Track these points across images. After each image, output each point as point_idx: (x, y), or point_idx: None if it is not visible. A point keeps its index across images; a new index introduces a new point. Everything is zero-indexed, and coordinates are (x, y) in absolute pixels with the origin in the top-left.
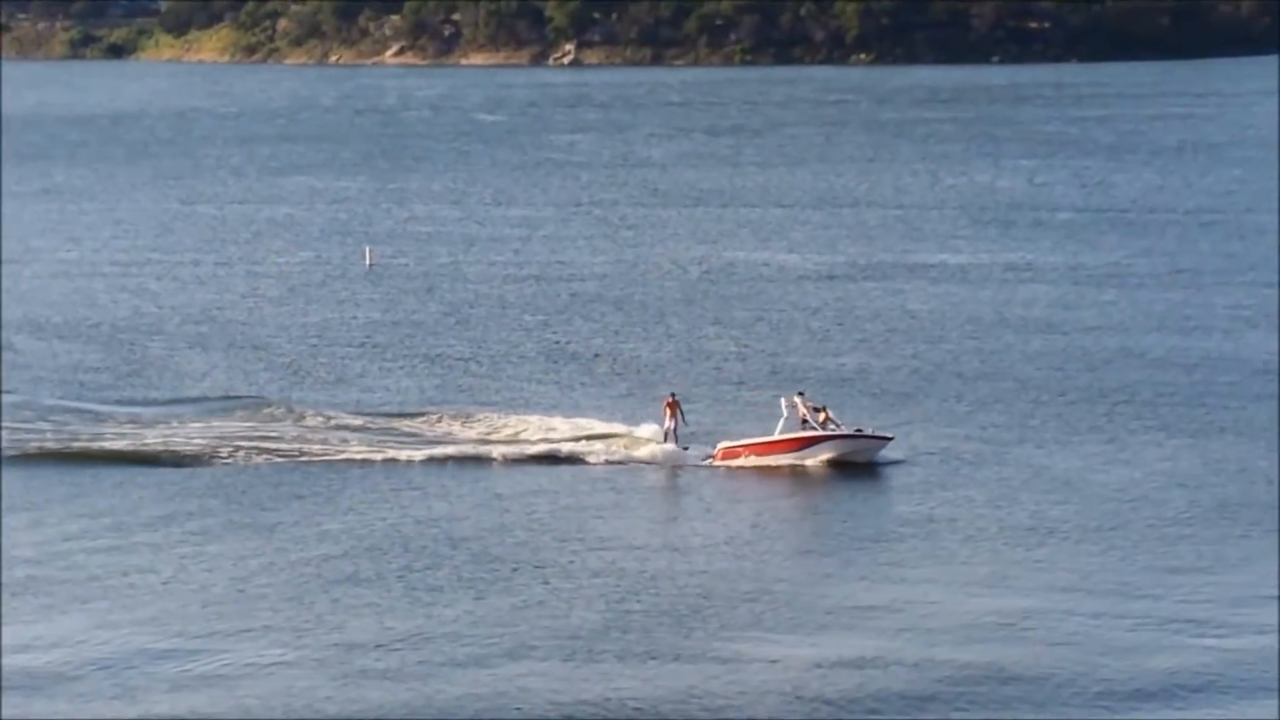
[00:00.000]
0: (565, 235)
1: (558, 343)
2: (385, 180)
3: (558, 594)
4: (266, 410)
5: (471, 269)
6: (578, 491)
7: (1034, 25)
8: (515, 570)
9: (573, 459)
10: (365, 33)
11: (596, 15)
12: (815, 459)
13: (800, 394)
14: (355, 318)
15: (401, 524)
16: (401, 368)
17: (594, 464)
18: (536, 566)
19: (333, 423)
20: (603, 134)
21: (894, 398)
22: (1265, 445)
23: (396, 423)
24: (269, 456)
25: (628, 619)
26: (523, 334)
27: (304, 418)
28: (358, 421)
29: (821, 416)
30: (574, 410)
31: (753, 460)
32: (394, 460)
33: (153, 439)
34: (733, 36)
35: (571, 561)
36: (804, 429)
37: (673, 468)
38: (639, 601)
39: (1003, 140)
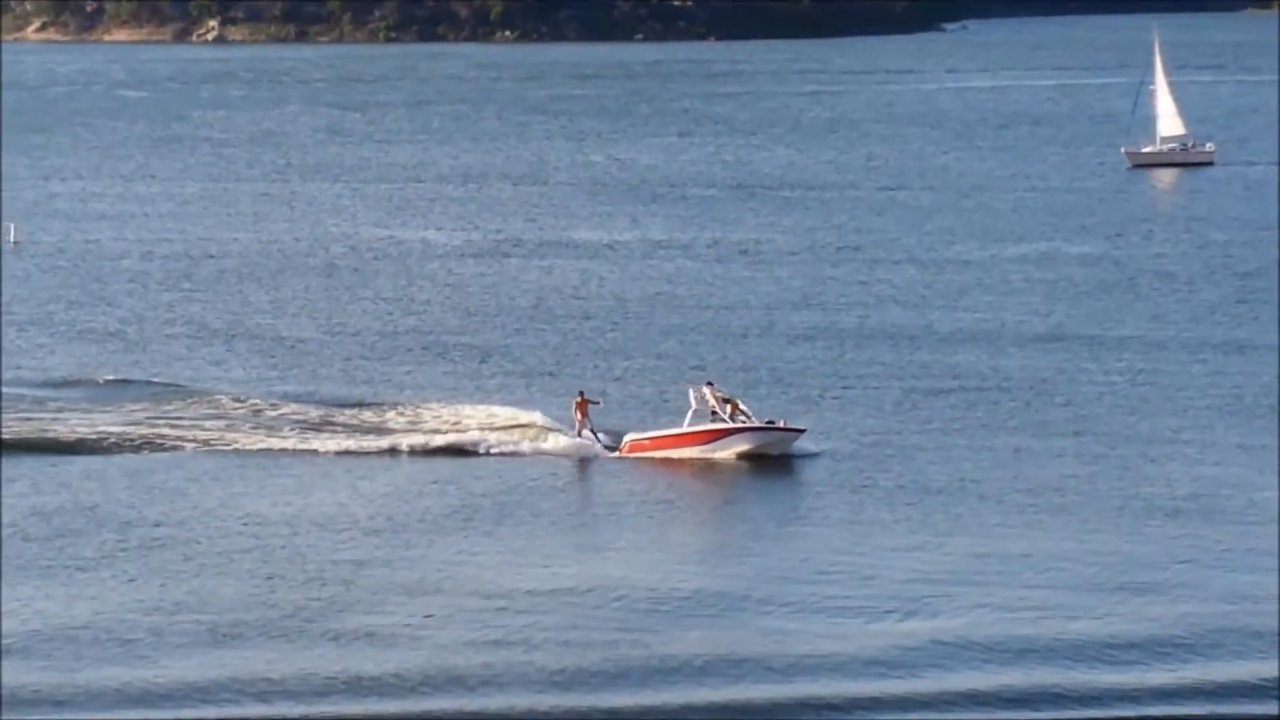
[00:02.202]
0: (209, 210)
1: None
2: (27, 156)
3: (206, 571)
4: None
5: (117, 245)
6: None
7: (677, 3)
8: (165, 550)
9: (479, 451)
10: (6, 8)
11: None
12: (726, 452)
13: (709, 384)
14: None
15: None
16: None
17: (500, 456)
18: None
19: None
20: (247, 110)
21: (537, 375)
22: (898, 420)
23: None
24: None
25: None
26: (167, 308)
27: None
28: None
29: (730, 408)
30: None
31: (661, 454)
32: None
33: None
34: (377, 13)
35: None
36: (714, 421)
37: (580, 461)
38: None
39: (646, 117)
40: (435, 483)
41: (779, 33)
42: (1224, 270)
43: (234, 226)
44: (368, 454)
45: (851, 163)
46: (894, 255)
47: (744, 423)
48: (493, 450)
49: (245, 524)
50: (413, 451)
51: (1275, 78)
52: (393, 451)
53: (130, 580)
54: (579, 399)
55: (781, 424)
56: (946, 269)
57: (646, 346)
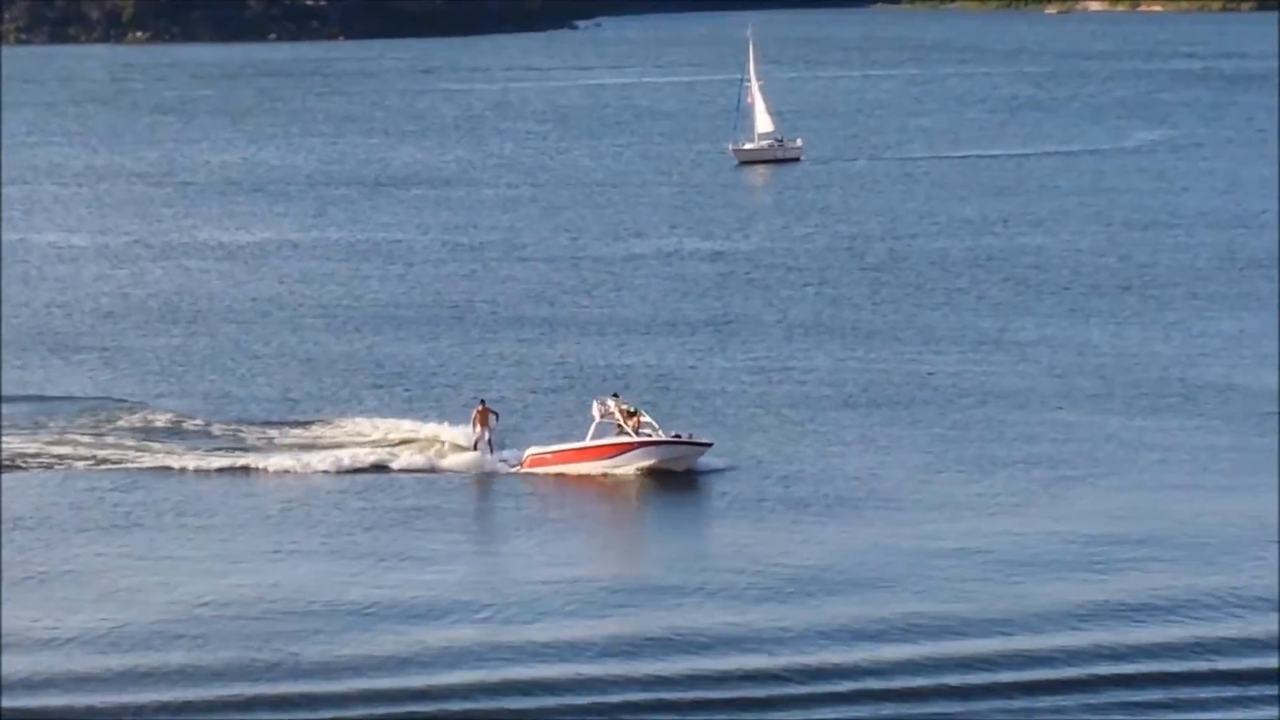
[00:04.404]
0: None
1: None
2: None
3: None
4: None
5: None
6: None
7: (309, 3)
8: None
9: (375, 468)
10: None
11: None
12: (629, 467)
13: (615, 395)
14: None
15: None
16: None
17: (396, 472)
18: None
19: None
20: None
21: (173, 377)
22: (531, 419)
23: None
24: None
25: None
26: None
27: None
28: None
29: (634, 421)
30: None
31: (562, 468)
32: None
33: None
34: (6, 15)
35: None
36: (618, 435)
37: (480, 476)
38: None
39: (278, 117)
40: (324, 500)
41: (411, 31)
42: (847, 262)
43: None
44: (261, 473)
45: (481, 160)
46: (524, 251)
47: (648, 436)
48: (390, 467)
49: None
50: (304, 470)
51: (878, 72)
52: (288, 472)
53: None
54: (480, 408)
55: (687, 438)
56: (576, 264)
57: (292, 348)
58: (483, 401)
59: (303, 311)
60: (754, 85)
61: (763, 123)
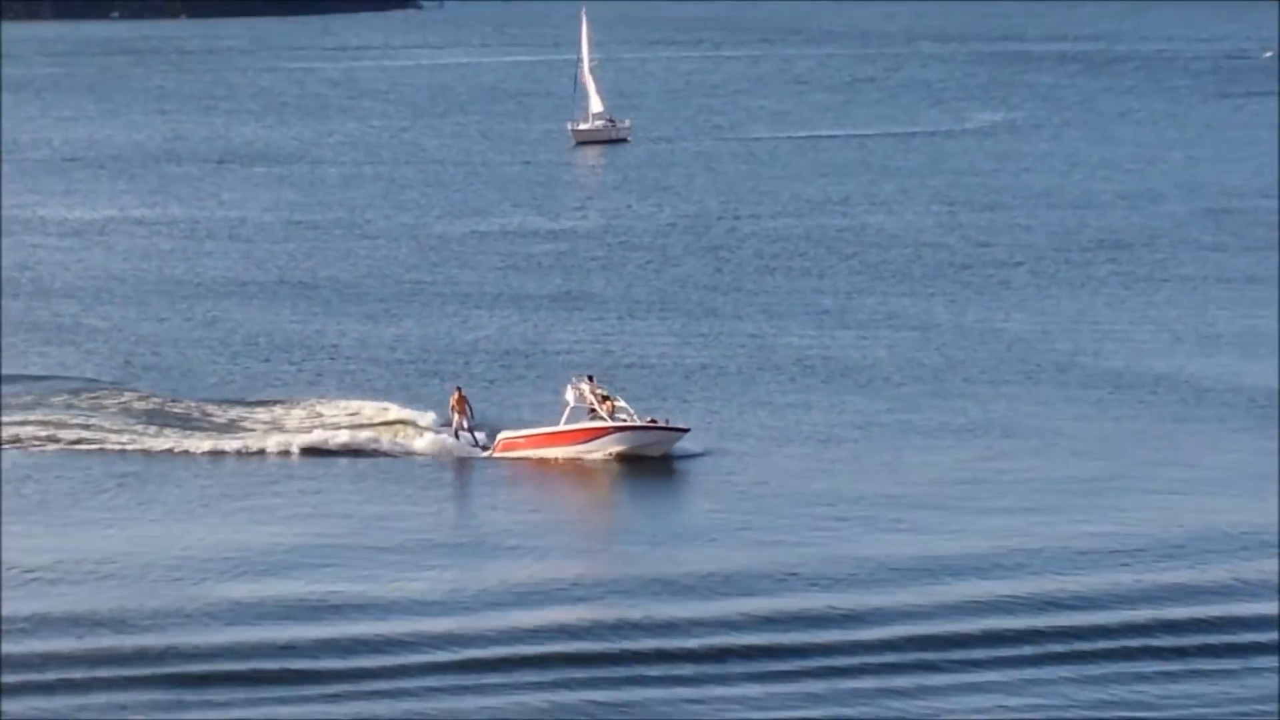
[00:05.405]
0: None
1: None
2: None
3: None
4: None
5: None
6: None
7: None
8: None
9: (347, 451)
10: None
11: None
12: (603, 452)
13: (589, 378)
14: None
15: None
16: None
17: (369, 455)
18: None
19: None
20: None
21: (26, 351)
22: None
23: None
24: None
25: None
26: None
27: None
28: None
29: (608, 405)
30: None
31: (535, 453)
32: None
33: None
34: None
35: None
36: (592, 419)
37: (453, 460)
38: None
39: (122, 94)
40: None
41: (254, 9)
42: (688, 240)
43: None
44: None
45: (323, 138)
46: (366, 229)
47: (624, 421)
48: (353, 449)
49: None
50: (271, 452)
51: (721, 53)
52: (259, 453)
53: None
54: (457, 395)
55: (664, 423)
56: (418, 241)
57: (128, 327)
58: (459, 389)
59: (144, 288)
60: (586, 65)
61: (595, 103)
